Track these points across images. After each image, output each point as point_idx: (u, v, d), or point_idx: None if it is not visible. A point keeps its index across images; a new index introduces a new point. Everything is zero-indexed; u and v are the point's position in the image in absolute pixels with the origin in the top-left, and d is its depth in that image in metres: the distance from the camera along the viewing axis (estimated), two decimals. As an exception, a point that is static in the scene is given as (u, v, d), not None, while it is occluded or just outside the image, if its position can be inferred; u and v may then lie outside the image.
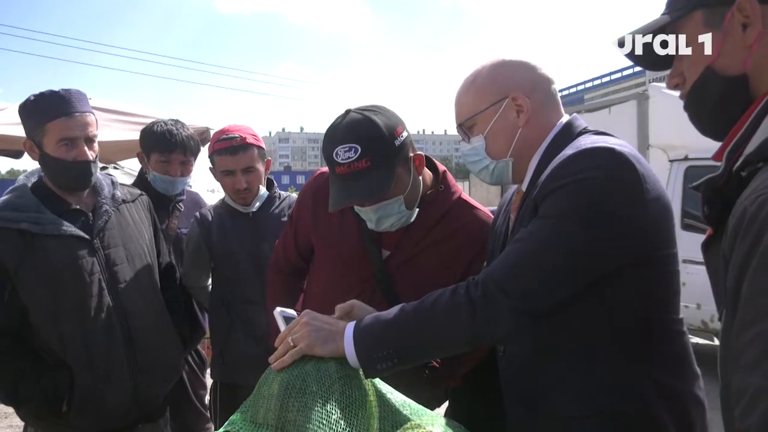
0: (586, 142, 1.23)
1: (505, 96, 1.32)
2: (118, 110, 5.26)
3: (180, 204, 2.70)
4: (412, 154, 1.60)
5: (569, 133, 1.31)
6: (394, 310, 1.24)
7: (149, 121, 2.79)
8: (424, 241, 1.66)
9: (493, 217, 1.64)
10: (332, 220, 1.75)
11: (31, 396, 1.80)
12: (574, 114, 1.37)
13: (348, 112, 1.56)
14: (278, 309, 1.36)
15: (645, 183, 1.15)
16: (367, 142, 1.47)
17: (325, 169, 1.74)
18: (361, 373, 1.22)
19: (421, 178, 1.66)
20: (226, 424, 1.14)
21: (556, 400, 1.26)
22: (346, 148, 1.47)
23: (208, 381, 2.79)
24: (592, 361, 1.22)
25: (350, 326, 1.23)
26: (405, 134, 1.56)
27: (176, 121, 2.66)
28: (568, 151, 1.21)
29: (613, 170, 1.14)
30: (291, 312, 1.40)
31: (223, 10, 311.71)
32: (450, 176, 1.76)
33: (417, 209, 1.64)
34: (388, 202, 1.54)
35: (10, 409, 1.91)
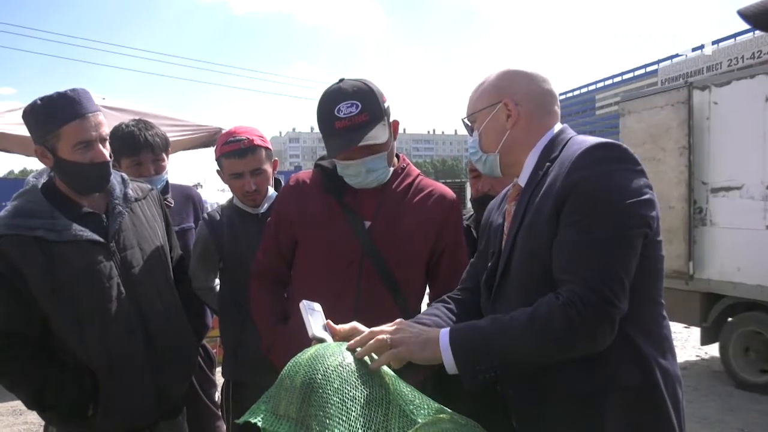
0: (589, 138, 1.36)
1: (499, 100, 1.47)
2: (131, 110, 5.32)
3: (168, 200, 2.63)
4: (391, 120, 1.86)
5: (563, 136, 1.45)
6: (490, 323, 1.28)
7: (162, 121, 2.78)
8: (398, 208, 1.87)
9: (450, 192, 1.95)
10: (314, 202, 1.89)
11: (56, 403, 1.79)
12: (566, 124, 1.51)
13: (342, 79, 1.82)
14: (303, 301, 1.41)
15: (645, 173, 1.30)
16: (366, 101, 1.75)
17: (299, 173, 2.00)
18: (383, 370, 1.25)
19: (395, 146, 1.92)
20: (247, 413, 1.16)
21: (562, 377, 1.30)
22: (349, 104, 1.73)
23: (218, 379, 2.81)
24: None
25: (444, 336, 1.28)
26: (388, 102, 1.85)
27: (138, 121, 2.61)
28: (578, 145, 1.33)
29: (628, 163, 1.29)
30: (315, 304, 1.44)
31: (236, 11, 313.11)
32: (409, 161, 2.01)
33: (391, 169, 1.88)
34: (377, 156, 1.79)
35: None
